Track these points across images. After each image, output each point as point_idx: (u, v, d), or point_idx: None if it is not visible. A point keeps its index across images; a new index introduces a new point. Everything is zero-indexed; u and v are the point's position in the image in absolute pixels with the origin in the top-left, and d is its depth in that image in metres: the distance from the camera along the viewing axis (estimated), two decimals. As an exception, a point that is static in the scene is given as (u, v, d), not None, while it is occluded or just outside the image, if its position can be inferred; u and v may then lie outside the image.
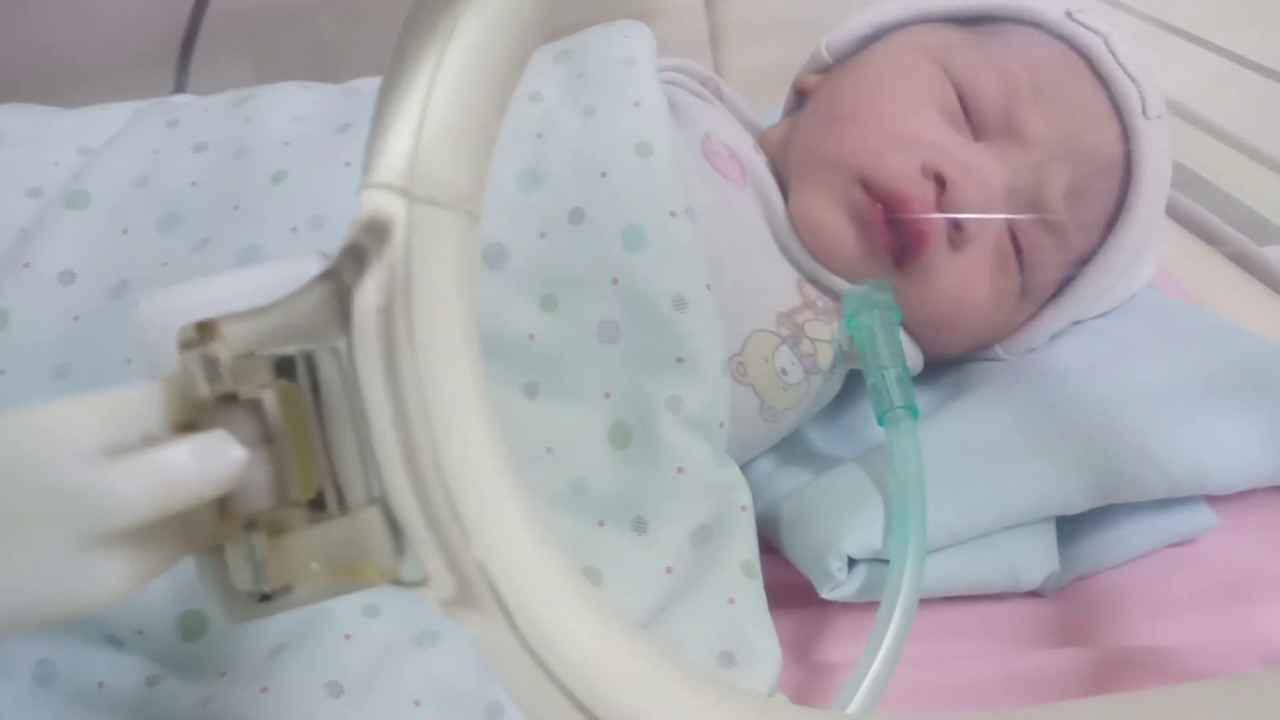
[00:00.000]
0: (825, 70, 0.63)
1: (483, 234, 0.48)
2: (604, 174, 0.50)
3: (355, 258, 0.22)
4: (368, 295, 0.22)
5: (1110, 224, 0.57)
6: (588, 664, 0.23)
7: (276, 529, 0.22)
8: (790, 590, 0.50)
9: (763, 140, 0.61)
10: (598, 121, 0.52)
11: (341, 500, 0.22)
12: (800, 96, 0.64)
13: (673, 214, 0.50)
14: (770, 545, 0.52)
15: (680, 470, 0.49)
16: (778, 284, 0.55)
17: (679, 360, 0.49)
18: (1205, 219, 0.78)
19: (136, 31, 0.94)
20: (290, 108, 0.57)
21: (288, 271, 0.23)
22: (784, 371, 0.53)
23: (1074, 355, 0.58)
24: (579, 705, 0.23)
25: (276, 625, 0.46)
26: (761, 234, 0.55)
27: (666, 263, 0.49)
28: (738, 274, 0.53)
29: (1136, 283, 0.63)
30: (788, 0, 0.95)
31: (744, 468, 0.56)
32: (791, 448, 0.57)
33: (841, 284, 0.55)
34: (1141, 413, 0.51)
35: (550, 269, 0.49)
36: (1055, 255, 0.56)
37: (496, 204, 0.50)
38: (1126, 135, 0.56)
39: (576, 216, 0.50)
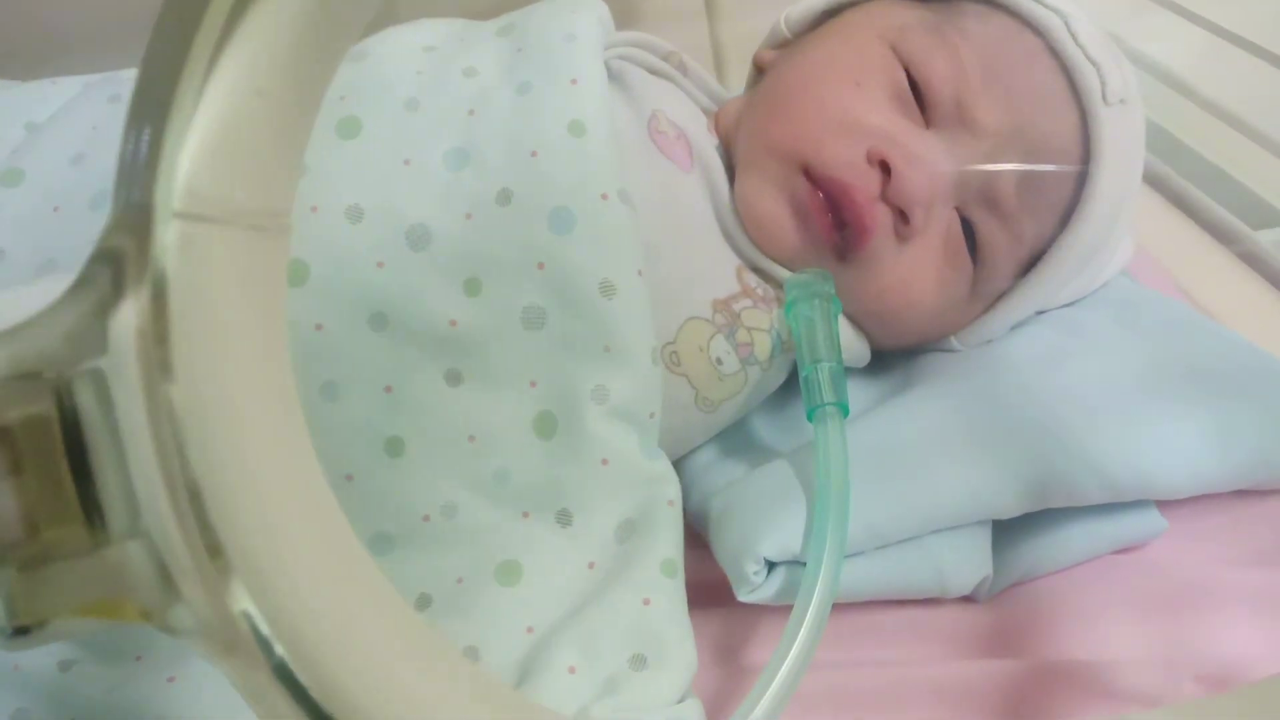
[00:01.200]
0: (784, 45, 0.61)
1: (406, 215, 0.48)
2: (534, 153, 0.49)
3: (112, 270, 0.21)
4: (125, 315, 0.21)
5: (1067, 214, 0.54)
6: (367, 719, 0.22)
7: (30, 562, 0.21)
8: (721, 588, 0.49)
9: (717, 118, 0.59)
10: (531, 99, 0.51)
11: (103, 532, 0.21)
12: (759, 72, 0.61)
13: (604, 196, 0.48)
14: (703, 540, 0.51)
15: (605, 461, 0.48)
16: (715, 270, 0.53)
17: (606, 349, 0.48)
18: (1200, 201, 0.74)
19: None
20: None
21: (57, 289, 0.22)
22: (719, 361, 0.52)
23: (1028, 348, 0.55)
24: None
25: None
26: (704, 218, 0.54)
27: (595, 247, 0.48)
28: (673, 259, 0.51)
29: (1106, 271, 0.61)
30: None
31: (684, 458, 0.55)
32: (734, 439, 0.56)
33: (782, 272, 0.53)
34: (1085, 412, 0.49)
35: (475, 252, 0.48)
36: (1008, 247, 0.53)
37: (422, 183, 0.49)
38: (1085, 121, 0.53)
39: (504, 198, 0.48)
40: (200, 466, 0.21)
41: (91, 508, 0.21)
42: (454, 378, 0.48)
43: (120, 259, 0.21)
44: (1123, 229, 0.57)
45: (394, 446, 0.47)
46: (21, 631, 0.21)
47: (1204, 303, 0.67)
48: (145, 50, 0.21)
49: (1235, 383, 0.51)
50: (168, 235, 0.21)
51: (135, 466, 0.21)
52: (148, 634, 0.45)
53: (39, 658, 0.45)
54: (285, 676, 0.21)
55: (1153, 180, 0.78)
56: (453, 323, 0.47)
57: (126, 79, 0.60)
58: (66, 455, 0.21)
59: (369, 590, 0.24)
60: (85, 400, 0.21)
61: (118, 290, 0.21)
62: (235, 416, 0.22)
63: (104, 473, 0.21)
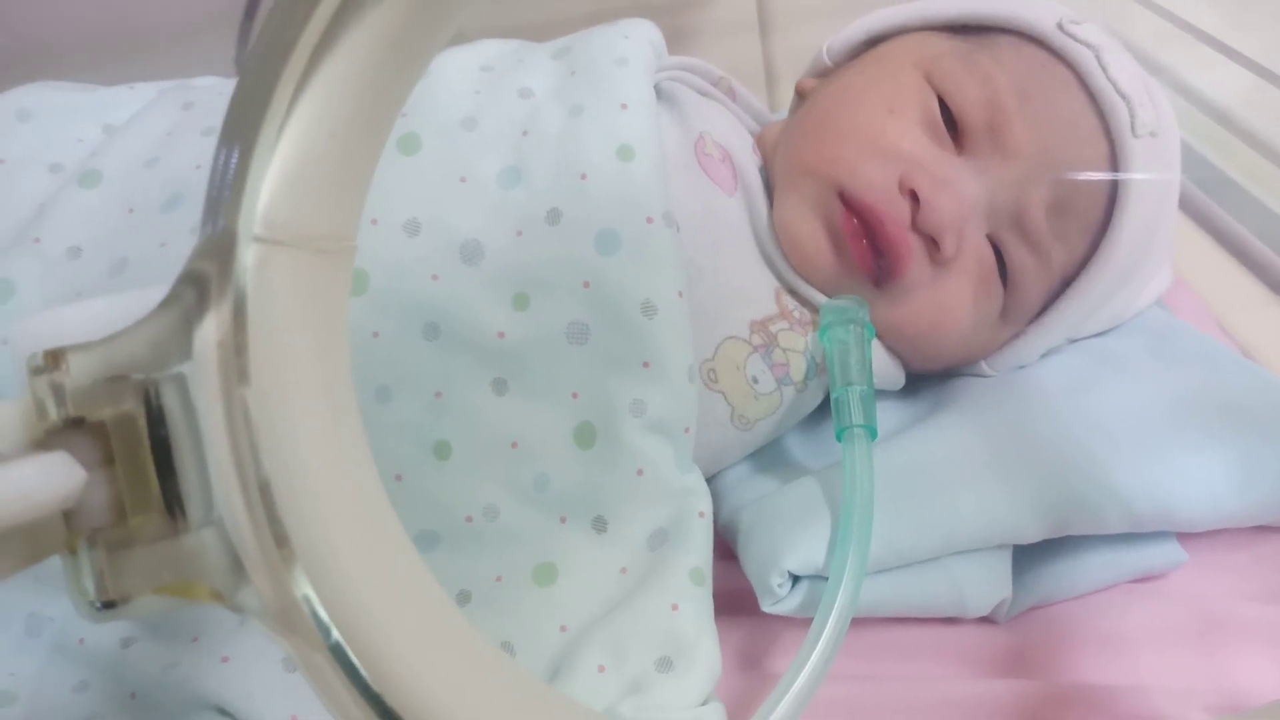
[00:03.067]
0: (825, 74, 0.63)
1: (460, 230, 0.50)
2: (583, 176, 0.51)
3: (197, 287, 0.23)
4: (208, 329, 0.23)
5: (1096, 243, 0.55)
6: (420, 699, 0.24)
7: (118, 543, 0.23)
8: (747, 598, 0.51)
9: (759, 140, 0.61)
10: (582, 122, 0.53)
11: (183, 520, 0.24)
12: (800, 99, 0.63)
13: (649, 220, 0.50)
14: (733, 552, 0.53)
15: (640, 472, 0.50)
16: (755, 292, 0.55)
17: (645, 365, 0.50)
18: (1239, 234, 0.75)
19: (200, 1, 0.96)
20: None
21: (151, 299, 0.24)
22: (755, 380, 0.53)
23: (1058, 375, 0.57)
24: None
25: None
26: (745, 240, 0.55)
27: (639, 269, 0.50)
28: (715, 280, 0.53)
29: (1140, 301, 0.62)
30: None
31: (718, 473, 0.57)
32: (765, 455, 0.58)
33: (819, 296, 0.55)
34: (1109, 441, 0.50)
35: (524, 268, 0.50)
36: (1038, 274, 0.55)
37: (476, 200, 0.51)
38: (1114, 153, 0.54)
39: (554, 217, 0.51)
40: (271, 464, 0.23)
41: (172, 498, 0.24)
42: (500, 386, 0.50)
43: (205, 280, 0.23)
44: (1156, 259, 0.59)
45: (442, 449, 0.49)
46: (108, 605, 0.23)
47: (1240, 334, 0.68)
48: (234, 92, 0.24)
49: (1261, 419, 0.52)
50: (248, 257, 0.23)
51: (212, 462, 0.23)
52: (204, 617, 0.49)
53: (102, 635, 0.48)
54: (340, 656, 0.23)
55: (1193, 212, 0.79)
56: (501, 334, 0.50)
57: (199, 87, 0.63)
58: (151, 450, 0.23)
59: (416, 583, 0.26)
60: (170, 401, 0.24)
61: (201, 306, 0.23)
62: (303, 420, 0.24)
63: (184, 467, 0.24)
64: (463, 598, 0.49)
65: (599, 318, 0.50)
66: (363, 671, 0.24)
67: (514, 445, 0.50)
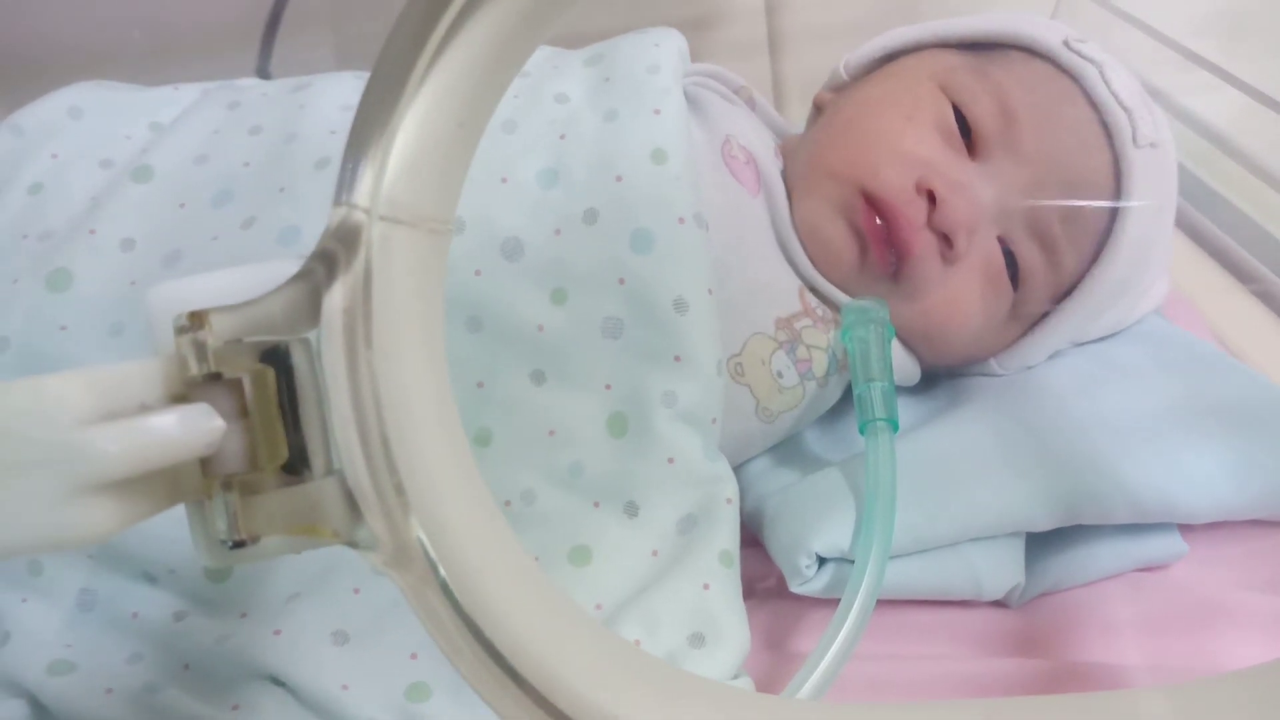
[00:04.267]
0: (842, 88, 0.66)
1: (502, 228, 0.53)
2: (619, 178, 0.54)
3: (326, 262, 0.26)
4: (335, 297, 0.26)
5: (1099, 247, 0.58)
6: (511, 629, 0.27)
7: (250, 489, 0.26)
8: (772, 584, 0.53)
9: (782, 147, 0.64)
10: (617, 126, 0.55)
11: (307, 469, 0.26)
12: (818, 111, 0.66)
13: (681, 220, 0.53)
14: (757, 539, 0.55)
15: (671, 460, 0.52)
16: (780, 290, 0.57)
17: (676, 358, 0.52)
18: (1232, 249, 0.78)
19: (223, 8, 0.98)
20: (342, 96, 0.61)
21: (277, 271, 0.27)
22: (779, 374, 0.56)
23: (1065, 376, 0.60)
24: (502, 664, 0.26)
25: (293, 574, 0.50)
26: (768, 240, 0.58)
27: (671, 267, 0.52)
28: (742, 278, 0.56)
29: (1140, 307, 0.65)
30: (847, 6, 0.97)
31: (742, 464, 0.60)
32: (788, 449, 0.60)
33: (840, 295, 0.58)
34: (1116, 437, 0.53)
35: (562, 265, 0.53)
36: (1045, 274, 0.58)
37: (517, 199, 0.54)
38: (1117, 161, 0.57)
39: (590, 217, 0.53)
40: (391, 419, 0.26)
41: (299, 449, 0.26)
42: (538, 377, 0.53)
43: (333, 255, 0.26)
44: (1157, 268, 0.62)
45: (483, 436, 0.52)
46: (239, 545, 0.26)
47: (1232, 342, 0.71)
48: (367, 83, 0.26)
49: (1257, 418, 0.55)
50: (374, 234, 0.26)
51: (336, 416, 0.26)
52: (252, 594, 0.51)
53: (155, 609, 0.50)
54: (447, 591, 0.26)
55: (1189, 230, 0.82)
56: (540, 328, 0.52)
57: (243, 87, 0.66)
58: (281, 405, 0.26)
59: (502, 533, 0.29)
60: (299, 362, 0.26)
61: (330, 276, 0.26)
62: (415, 382, 0.27)
63: (309, 421, 0.26)
64: (502, 576, 0.51)
65: (633, 313, 0.52)
66: (464, 605, 0.26)
67: (551, 433, 0.53)
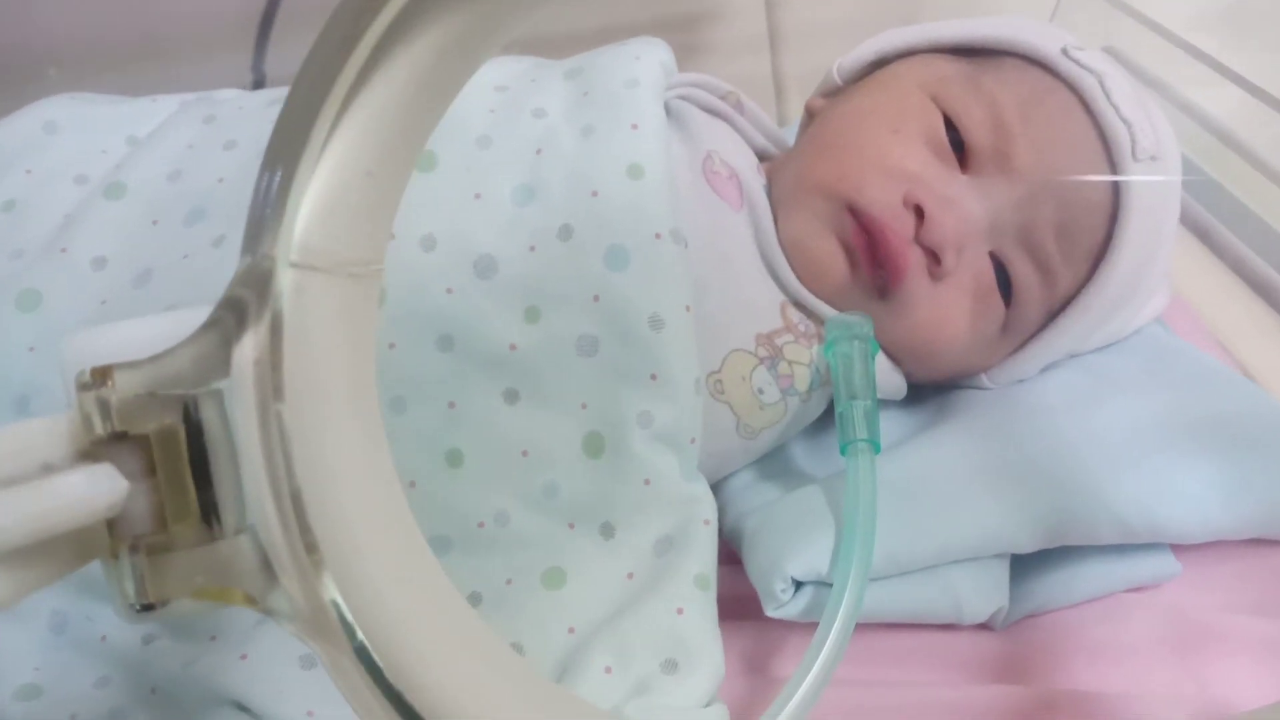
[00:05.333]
0: (834, 93, 0.64)
1: (475, 245, 0.52)
2: (595, 193, 0.53)
3: (236, 311, 0.25)
4: (245, 348, 0.25)
5: (1096, 263, 0.56)
6: (437, 698, 0.26)
7: (158, 549, 0.25)
8: (753, 603, 0.52)
9: (766, 167, 0.62)
10: (594, 141, 0.54)
11: (219, 527, 0.25)
12: (810, 117, 0.65)
13: (657, 236, 0.52)
14: (737, 558, 0.54)
15: (647, 482, 0.51)
16: (761, 305, 0.56)
17: (652, 377, 0.51)
18: (1240, 251, 0.76)
19: (216, 10, 0.98)
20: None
21: (192, 319, 0.26)
22: (760, 391, 0.55)
23: (1056, 390, 0.58)
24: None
25: (261, 599, 0.50)
26: (751, 256, 0.57)
27: (647, 283, 0.51)
28: (722, 294, 0.55)
29: (1139, 318, 0.63)
30: (847, 1, 0.95)
31: (723, 480, 0.59)
32: (770, 463, 0.59)
33: (825, 309, 0.56)
34: (1103, 455, 0.52)
35: (536, 282, 0.52)
36: (1039, 291, 0.56)
37: (491, 216, 0.53)
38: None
39: (565, 233, 0.52)
40: (303, 474, 0.25)
41: (209, 507, 0.25)
42: (511, 397, 0.52)
43: (243, 304, 0.25)
44: (1155, 279, 0.60)
45: (454, 457, 0.51)
46: (147, 608, 0.25)
47: (1239, 352, 0.69)
48: (276, 123, 0.25)
49: (1251, 436, 0.54)
50: (284, 281, 0.25)
51: (247, 472, 0.25)
52: (223, 617, 0.50)
53: (123, 632, 0.50)
54: (364, 656, 0.25)
55: (1192, 226, 0.80)
56: (512, 346, 0.51)
57: (220, 100, 0.65)
58: (190, 462, 0.25)
59: (434, 588, 0.28)
60: (208, 415, 0.25)
61: (240, 327, 0.25)
62: (333, 432, 0.26)
63: (220, 477, 0.25)
64: (474, 599, 0.50)
65: (608, 331, 0.51)
66: (385, 671, 0.25)
67: (524, 454, 0.52)
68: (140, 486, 0.25)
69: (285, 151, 0.25)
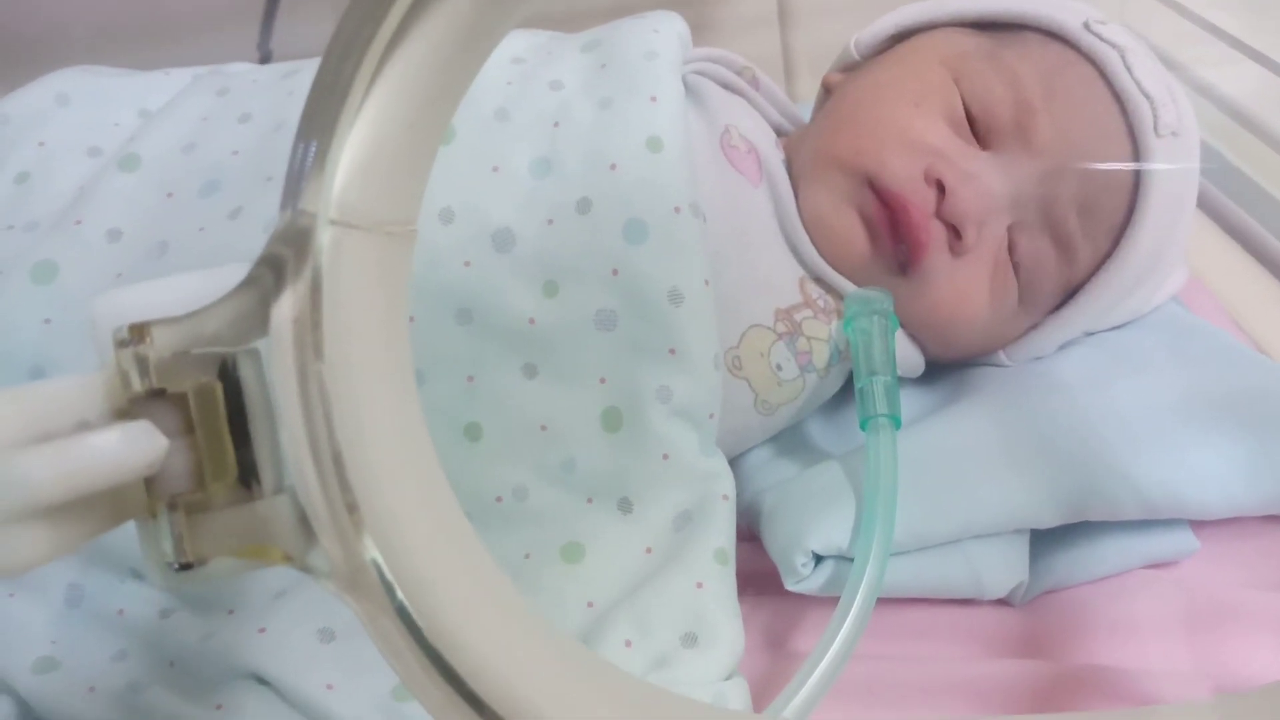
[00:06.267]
0: (852, 68, 0.64)
1: (493, 218, 0.51)
2: (613, 166, 0.52)
3: (274, 269, 0.25)
4: (284, 306, 0.24)
5: (1116, 239, 0.56)
6: (474, 655, 0.26)
7: (196, 508, 0.25)
8: (772, 579, 0.52)
9: (784, 142, 0.62)
10: (612, 114, 0.54)
11: (257, 487, 0.25)
12: (827, 93, 0.64)
13: (676, 210, 0.52)
14: (755, 533, 0.54)
15: (665, 456, 0.51)
16: (780, 281, 0.56)
17: (671, 352, 0.51)
18: (1257, 231, 0.76)
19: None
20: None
21: (227, 277, 0.26)
22: (779, 367, 0.55)
23: (1075, 367, 0.58)
24: (465, 693, 0.25)
25: (281, 570, 0.50)
26: (770, 231, 0.57)
27: (666, 257, 0.51)
28: (740, 269, 0.54)
29: (1157, 296, 0.63)
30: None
31: (740, 455, 0.59)
32: (788, 439, 0.59)
33: (846, 284, 0.56)
34: (1125, 431, 0.51)
35: (554, 256, 0.51)
36: (1057, 268, 0.56)
37: (509, 189, 0.52)
38: (1136, 151, 0.55)
39: (584, 206, 0.52)
40: (344, 434, 0.24)
41: (247, 466, 0.25)
42: (530, 371, 0.51)
43: (282, 261, 0.25)
44: (1174, 257, 0.60)
45: (473, 431, 0.51)
46: (185, 567, 0.25)
47: (1247, 322, 0.69)
48: (313, 82, 0.25)
49: (1272, 413, 0.53)
50: (324, 239, 0.24)
51: (286, 432, 0.25)
52: (241, 590, 0.50)
53: (141, 606, 0.50)
54: (404, 616, 0.25)
55: (1209, 208, 0.80)
56: (531, 320, 0.51)
57: (233, 73, 0.65)
58: (229, 420, 0.25)
59: (469, 549, 0.28)
60: (246, 374, 0.25)
61: (279, 285, 0.25)
62: (371, 393, 0.25)
63: (258, 436, 0.25)
64: (492, 574, 0.50)
65: (627, 305, 0.51)
66: (425, 631, 0.25)
67: (543, 428, 0.51)
68: (178, 445, 0.24)
69: (324, 107, 0.24)
